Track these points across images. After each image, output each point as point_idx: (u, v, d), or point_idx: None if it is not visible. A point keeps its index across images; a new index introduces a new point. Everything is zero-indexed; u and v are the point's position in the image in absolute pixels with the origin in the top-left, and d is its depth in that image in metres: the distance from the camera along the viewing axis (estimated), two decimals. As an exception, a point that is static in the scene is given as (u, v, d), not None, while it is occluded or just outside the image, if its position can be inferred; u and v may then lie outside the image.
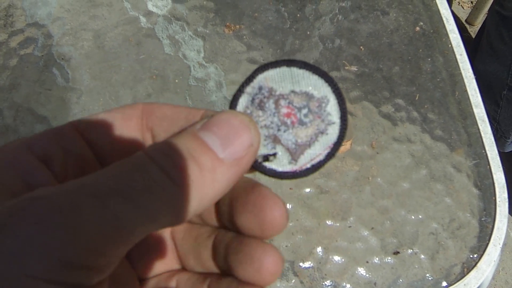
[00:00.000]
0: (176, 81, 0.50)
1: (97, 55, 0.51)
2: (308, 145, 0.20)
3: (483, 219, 0.53)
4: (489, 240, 0.52)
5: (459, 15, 1.55)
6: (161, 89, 0.50)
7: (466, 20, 1.53)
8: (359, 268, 0.48)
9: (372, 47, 0.56)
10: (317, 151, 0.20)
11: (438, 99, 0.56)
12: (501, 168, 0.55)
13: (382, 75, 0.55)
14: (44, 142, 0.18)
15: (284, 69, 0.20)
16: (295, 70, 0.20)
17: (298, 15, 0.56)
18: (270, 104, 0.20)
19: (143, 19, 0.53)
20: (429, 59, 0.57)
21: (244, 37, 0.53)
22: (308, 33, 0.55)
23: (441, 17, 0.60)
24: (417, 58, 0.57)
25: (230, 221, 0.20)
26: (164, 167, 0.16)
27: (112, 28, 0.52)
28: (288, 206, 0.48)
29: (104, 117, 0.20)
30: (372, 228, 0.49)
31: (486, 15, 1.27)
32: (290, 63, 0.20)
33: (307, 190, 0.49)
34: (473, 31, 1.50)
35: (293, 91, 0.20)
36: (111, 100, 0.50)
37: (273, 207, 0.19)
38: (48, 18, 0.53)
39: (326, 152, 0.20)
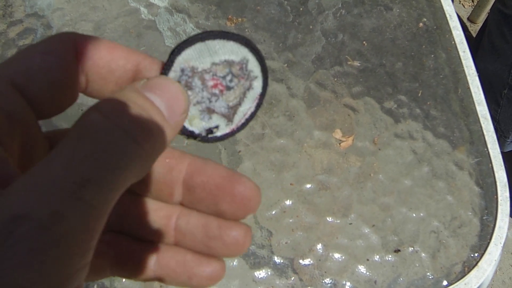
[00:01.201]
0: (177, 74, 0.49)
1: (97, 47, 0.50)
2: (239, 103, 0.22)
3: (484, 217, 0.52)
4: (490, 239, 0.51)
5: (460, 14, 1.54)
6: (161, 82, 0.49)
7: (468, 18, 1.52)
8: (359, 266, 0.47)
9: (375, 43, 0.54)
10: (247, 106, 0.22)
11: (441, 96, 0.55)
12: (503, 167, 0.54)
13: (385, 71, 0.53)
14: None
15: (199, 45, 0.21)
16: (209, 42, 0.21)
17: (301, 9, 0.55)
18: (196, 82, 0.21)
19: (144, 11, 0.51)
20: (432, 56, 0.56)
21: (246, 30, 0.52)
22: (311, 27, 0.54)
23: (444, 13, 0.59)
24: (420, 54, 0.56)
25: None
26: (130, 133, 0.16)
27: (112, 20, 0.51)
28: (289, 202, 0.47)
29: (37, 61, 0.18)
30: (373, 225, 0.48)
31: (488, 13, 1.25)
32: (203, 37, 0.20)
33: (308, 186, 0.48)
34: (474, 29, 1.48)
35: (213, 63, 0.21)
36: (110, 92, 0.48)
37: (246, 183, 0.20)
38: (48, 9, 0.51)
39: (255, 103, 0.22)
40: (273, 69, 0.51)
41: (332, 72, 0.52)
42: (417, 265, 0.49)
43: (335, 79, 0.52)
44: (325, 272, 0.46)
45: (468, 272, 0.49)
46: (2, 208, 0.13)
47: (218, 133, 0.22)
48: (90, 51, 0.19)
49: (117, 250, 0.21)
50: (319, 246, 0.47)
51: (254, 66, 0.21)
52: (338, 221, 0.48)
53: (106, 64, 0.19)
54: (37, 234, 0.13)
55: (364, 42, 0.54)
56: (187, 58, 0.20)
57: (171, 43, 0.50)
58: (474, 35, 1.43)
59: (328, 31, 0.55)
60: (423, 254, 0.49)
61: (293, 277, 0.45)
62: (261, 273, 0.45)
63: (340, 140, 0.50)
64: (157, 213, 0.21)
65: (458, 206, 0.51)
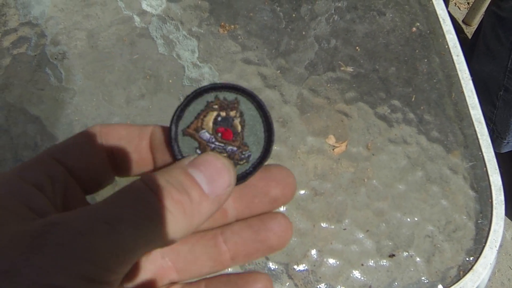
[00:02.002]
0: (170, 81, 0.49)
1: (91, 55, 0.50)
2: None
3: (479, 221, 0.51)
4: (485, 242, 0.51)
5: (455, 16, 1.53)
6: (155, 90, 0.49)
7: (463, 21, 1.51)
8: (354, 271, 0.47)
9: (368, 48, 0.54)
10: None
11: (434, 100, 0.54)
12: (497, 170, 0.54)
13: (378, 76, 0.53)
14: (33, 172, 0.20)
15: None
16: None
17: (294, 15, 0.55)
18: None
19: (137, 19, 0.51)
20: (426, 60, 0.56)
21: (239, 37, 0.52)
22: (304, 33, 0.53)
23: (437, 17, 0.58)
24: (414, 59, 0.55)
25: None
26: (161, 198, 0.19)
27: (105, 28, 0.50)
28: (283, 208, 0.47)
29: (71, 142, 0.22)
30: (367, 230, 0.48)
31: (483, 15, 1.25)
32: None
33: (302, 192, 0.48)
34: (469, 31, 1.48)
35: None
36: (104, 100, 0.48)
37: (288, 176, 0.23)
38: (41, 17, 0.51)
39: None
40: (265, 76, 0.50)
41: (325, 78, 0.52)
42: (412, 269, 0.48)
43: (328, 85, 0.52)
44: (320, 277, 0.46)
45: (464, 276, 0.49)
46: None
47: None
48: (111, 132, 0.23)
49: None
50: (313, 251, 0.46)
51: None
52: (333, 227, 0.47)
53: (125, 140, 0.22)
54: (71, 236, 0.17)
55: (357, 47, 0.54)
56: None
57: (164, 51, 0.50)
58: (470, 37, 1.43)
59: (321, 37, 0.54)
60: (418, 259, 0.48)
61: (288, 283, 0.45)
62: (255, 280, 0.45)
63: (334, 146, 0.49)
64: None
65: (452, 210, 0.51)
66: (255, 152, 0.23)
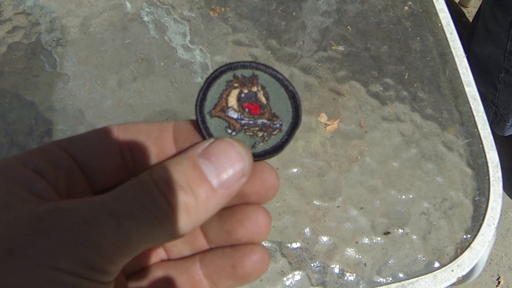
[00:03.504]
0: (162, 64, 0.48)
1: (84, 41, 0.50)
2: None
3: (476, 198, 0.50)
4: (483, 220, 0.49)
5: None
6: (147, 72, 0.48)
7: (459, 2, 1.48)
8: (348, 249, 0.46)
9: (360, 27, 0.53)
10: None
11: (428, 78, 0.53)
12: (494, 147, 0.52)
13: (370, 55, 0.52)
14: (34, 158, 0.20)
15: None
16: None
17: (285, -3, 0.54)
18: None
19: (128, 5, 0.51)
20: (419, 38, 0.55)
21: (230, 19, 0.51)
22: (294, 14, 0.53)
23: (430, -4, 0.57)
24: (406, 37, 0.54)
25: None
26: (168, 198, 0.19)
27: (98, 14, 0.50)
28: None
29: (83, 135, 0.22)
30: (362, 208, 0.47)
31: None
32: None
33: (294, 170, 0.47)
34: (471, 16, 1.45)
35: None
36: (97, 84, 0.48)
37: (271, 172, 0.22)
38: (35, 7, 0.51)
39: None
40: (256, 57, 0.50)
41: (316, 57, 0.51)
42: (408, 247, 0.47)
43: (320, 64, 0.51)
44: (314, 255, 0.45)
45: (461, 253, 0.48)
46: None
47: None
48: (131, 128, 0.22)
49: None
50: (307, 229, 0.46)
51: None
52: (326, 204, 0.46)
53: (146, 134, 0.22)
54: (78, 224, 0.17)
55: (349, 27, 0.53)
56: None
57: (155, 34, 0.50)
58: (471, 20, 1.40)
59: (312, 17, 0.53)
60: (414, 236, 0.47)
61: (282, 261, 0.44)
62: (248, 258, 0.44)
63: (326, 123, 0.49)
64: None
65: (448, 187, 0.49)
66: (286, 120, 0.22)
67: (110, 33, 0.49)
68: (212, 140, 0.20)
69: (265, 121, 0.22)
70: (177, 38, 0.49)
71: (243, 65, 0.22)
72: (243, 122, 0.22)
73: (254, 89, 0.22)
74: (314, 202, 0.46)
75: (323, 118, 0.48)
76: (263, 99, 0.22)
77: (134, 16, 0.50)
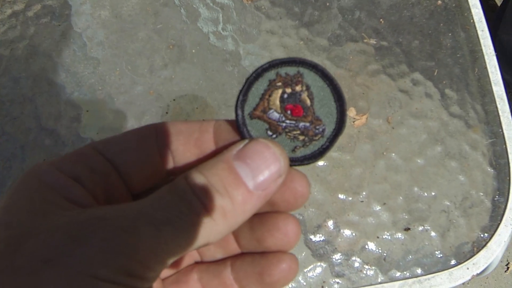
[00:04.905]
0: (193, 51, 0.47)
1: (115, 25, 0.48)
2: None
3: (496, 198, 0.49)
4: (501, 220, 0.49)
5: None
6: (178, 59, 0.47)
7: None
8: (369, 243, 0.46)
9: (392, 20, 0.51)
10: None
11: (457, 75, 0.51)
12: (517, 148, 0.51)
13: (401, 49, 0.50)
14: (71, 163, 0.20)
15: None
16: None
17: (318, -14, 0.52)
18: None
19: (160, -12, 0.49)
20: (450, 34, 0.53)
21: (263, 7, 0.49)
22: (328, 4, 0.51)
23: (464, -10, 0.55)
24: (438, 33, 0.52)
25: None
26: (204, 202, 0.18)
27: (129, -3, 0.49)
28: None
29: (120, 137, 0.21)
30: (384, 203, 0.47)
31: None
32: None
33: (321, 163, 0.46)
34: (494, 3, 1.40)
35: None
36: (127, 69, 0.47)
37: (302, 181, 0.21)
38: (66, -15, 0.49)
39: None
40: (288, 47, 0.48)
41: (347, 49, 0.50)
42: (427, 243, 0.47)
43: (351, 57, 0.49)
44: (336, 248, 0.45)
45: (477, 252, 0.48)
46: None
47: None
48: (170, 127, 0.21)
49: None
50: (330, 222, 0.45)
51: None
52: (350, 199, 0.46)
53: (186, 134, 0.21)
54: (116, 232, 0.17)
55: (381, 19, 0.51)
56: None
57: (187, 20, 0.48)
58: (499, 4, 1.35)
59: (345, 8, 0.52)
60: (433, 233, 0.47)
61: (304, 253, 0.44)
62: (273, 248, 0.44)
63: (354, 118, 0.48)
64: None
65: (470, 186, 0.49)
66: (329, 125, 0.21)
67: (142, 17, 0.47)
68: (246, 141, 0.20)
69: (307, 124, 0.21)
70: (209, 25, 0.48)
71: (288, 61, 0.21)
72: (284, 124, 0.21)
73: (298, 88, 0.21)
74: (339, 195, 0.46)
75: (352, 112, 0.47)
76: (307, 100, 0.21)
77: (166, 0, 0.48)
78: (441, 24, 0.53)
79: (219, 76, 0.46)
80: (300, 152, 0.21)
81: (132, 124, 0.45)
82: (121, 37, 0.47)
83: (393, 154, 0.48)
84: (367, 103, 0.48)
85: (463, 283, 0.48)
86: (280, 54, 0.47)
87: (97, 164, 0.20)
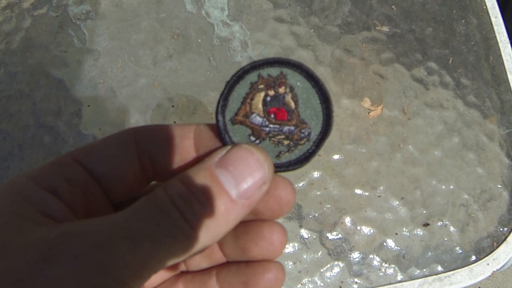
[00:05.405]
0: (199, 40, 0.44)
1: (115, 14, 0.45)
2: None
3: (514, 190, 0.47)
4: (520, 212, 0.47)
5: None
6: (183, 50, 0.44)
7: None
8: (387, 240, 0.43)
9: (405, 7, 0.49)
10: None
11: (471, 63, 0.49)
12: (535, 138, 0.49)
13: (415, 37, 0.48)
14: (48, 175, 0.19)
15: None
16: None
17: (327, -28, 0.49)
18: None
19: (162, -25, 0.46)
20: (463, 21, 0.51)
21: (270, -6, 0.47)
22: (338, -9, 0.48)
23: (476, -24, 0.52)
24: (451, 20, 0.50)
25: None
26: (184, 214, 0.17)
27: (130, -15, 0.46)
28: (316, 174, 0.43)
29: (99, 144, 0.20)
30: (402, 198, 0.44)
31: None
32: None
33: (336, 157, 0.44)
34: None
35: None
36: (130, 61, 0.44)
37: (287, 187, 0.20)
38: (62, -25, 0.46)
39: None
40: (298, 35, 0.46)
41: (360, 37, 0.47)
42: (446, 239, 0.45)
43: (363, 45, 0.47)
44: (353, 246, 0.43)
45: (497, 247, 0.46)
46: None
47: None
48: (150, 132, 0.20)
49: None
50: (347, 219, 0.43)
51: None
52: (367, 194, 0.43)
53: (166, 139, 0.20)
54: (89, 249, 0.16)
55: (393, 6, 0.49)
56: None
57: (192, 8, 0.45)
58: None
59: (355, -5, 0.49)
60: (452, 228, 0.45)
61: (321, 251, 0.42)
62: (288, 248, 0.41)
63: (369, 109, 0.45)
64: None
65: (488, 179, 0.46)
66: (315, 128, 0.19)
67: (144, 6, 0.44)
68: (229, 147, 0.19)
69: (292, 128, 0.19)
70: (215, 13, 0.45)
71: (270, 62, 0.19)
72: (267, 129, 0.20)
73: (282, 90, 0.19)
74: (355, 191, 0.43)
75: (367, 103, 0.45)
76: (291, 103, 0.19)
77: (169, -12, 0.46)
78: (454, 11, 0.51)
79: (227, 66, 0.43)
80: (285, 158, 0.20)
81: (136, 119, 0.42)
82: (122, 27, 0.44)
83: (410, 146, 0.45)
84: (381, 93, 0.46)
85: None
86: (289, 42, 0.45)
87: (75, 175, 0.19)
